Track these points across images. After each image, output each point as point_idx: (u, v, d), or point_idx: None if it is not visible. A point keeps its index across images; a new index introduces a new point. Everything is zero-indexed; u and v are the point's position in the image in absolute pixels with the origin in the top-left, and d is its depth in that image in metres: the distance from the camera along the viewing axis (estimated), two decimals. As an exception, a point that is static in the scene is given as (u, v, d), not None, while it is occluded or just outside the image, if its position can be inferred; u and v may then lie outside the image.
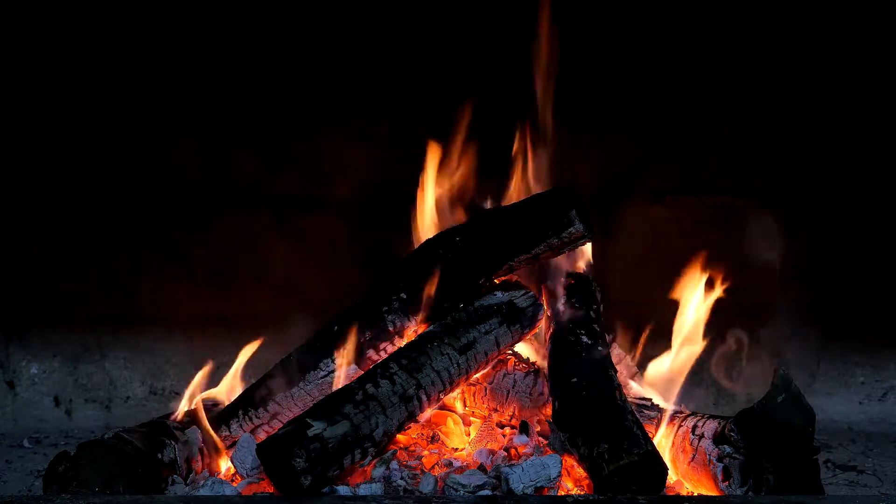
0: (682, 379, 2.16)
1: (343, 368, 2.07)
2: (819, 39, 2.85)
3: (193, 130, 2.91)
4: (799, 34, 2.85)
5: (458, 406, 2.21)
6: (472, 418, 2.18)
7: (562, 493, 1.80)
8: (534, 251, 2.10)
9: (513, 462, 1.91)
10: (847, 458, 2.55)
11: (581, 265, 2.36)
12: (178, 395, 2.26)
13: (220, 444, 2.05)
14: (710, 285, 2.24)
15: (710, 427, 1.89)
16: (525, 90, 2.41)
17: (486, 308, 2.09)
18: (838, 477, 2.38)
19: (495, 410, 2.16)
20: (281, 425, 1.94)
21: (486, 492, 1.78)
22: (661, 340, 2.32)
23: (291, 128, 2.91)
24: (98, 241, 2.93)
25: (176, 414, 2.09)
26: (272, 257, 2.91)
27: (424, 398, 1.93)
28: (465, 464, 1.95)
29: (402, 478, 1.86)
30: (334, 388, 2.00)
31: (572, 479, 1.87)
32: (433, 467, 1.93)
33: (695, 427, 1.92)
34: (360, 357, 2.09)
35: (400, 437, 2.00)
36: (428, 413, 2.07)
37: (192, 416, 2.07)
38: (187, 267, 2.93)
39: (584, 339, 2.10)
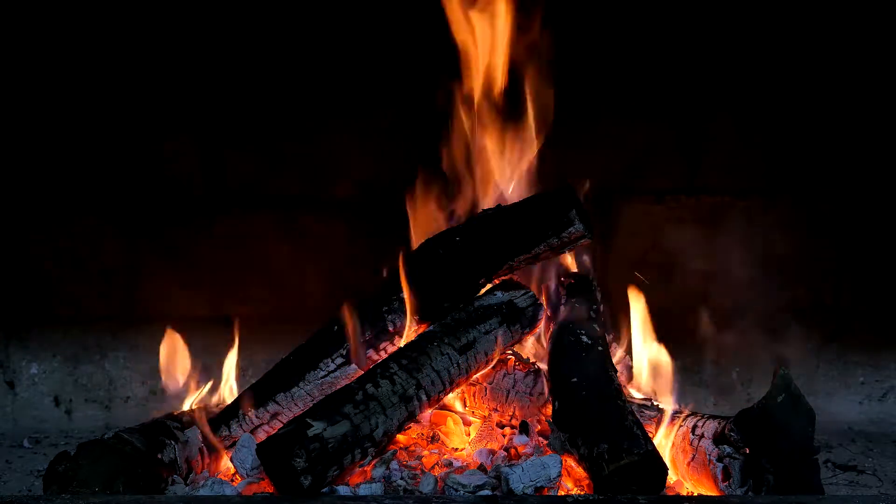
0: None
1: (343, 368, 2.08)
2: (818, 38, 2.85)
3: (194, 131, 2.91)
4: (799, 33, 2.85)
5: (458, 406, 2.21)
6: (472, 418, 2.18)
7: (562, 493, 1.80)
8: (534, 251, 2.10)
9: (513, 462, 1.91)
10: (847, 458, 2.55)
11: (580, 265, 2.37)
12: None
13: (220, 445, 2.06)
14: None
15: (710, 427, 1.89)
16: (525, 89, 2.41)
17: (486, 308, 2.09)
18: (838, 477, 2.38)
19: (495, 410, 2.16)
20: (281, 425, 1.94)
21: (486, 492, 1.78)
22: (661, 340, 2.32)
23: (292, 128, 2.91)
24: (98, 241, 2.93)
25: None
26: (273, 257, 2.91)
27: (424, 398, 1.93)
28: (465, 464, 1.95)
29: (402, 478, 1.86)
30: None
31: (572, 479, 1.87)
32: (433, 467, 1.93)
33: (695, 427, 1.93)
34: (359, 357, 2.09)
35: (400, 437, 2.00)
36: (428, 413, 2.07)
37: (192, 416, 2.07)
38: (188, 267, 2.92)
39: (584, 339, 2.10)
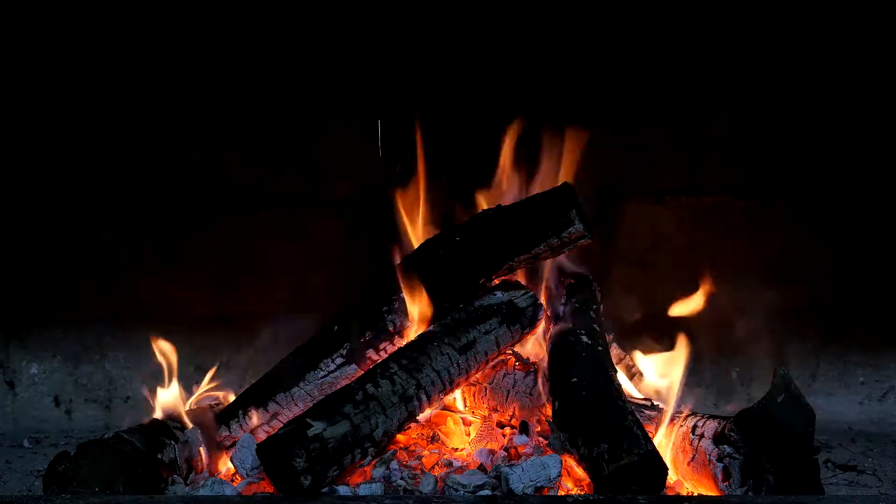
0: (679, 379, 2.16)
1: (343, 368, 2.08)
2: (816, 39, 2.85)
3: (194, 131, 2.91)
4: (799, 35, 2.85)
5: (458, 406, 2.21)
6: (472, 418, 2.18)
7: (562, 493, 1.80)
8: (534, 251, 2.10)
9: (513, 462, 1.91)
10: (847, 458, 2.55)
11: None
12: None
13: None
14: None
15: (710, 427, 1.89)
16: (526, 90, 2.41)
17: (486, 308, 2.09)
18: (838, 477, 2.38)
19: (495, 410, 2.16)
20: (281, 425, 1.94)
21: (486, 492, 1.78)
22: (661, 340, 2.32)
23: (292, 128, 2.91)
24: (98, 241, 2.93)
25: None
26: (272, 257, 2.91)
27: (424, 398, 1.93)
28: (465, 464, 1.95)
29: (402, 478, 1.86)
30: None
31: (572, 479, 1.87)
32: (433, 467, 1.93)
33: (695, 427, 1.92)
34: (360, 357, 2.09)
35: (400, 437, 2.00)
36: (428, 413, 2.07)
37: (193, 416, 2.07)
38: (188, 267, 2.92)
39: (584, 339, 2.10)
